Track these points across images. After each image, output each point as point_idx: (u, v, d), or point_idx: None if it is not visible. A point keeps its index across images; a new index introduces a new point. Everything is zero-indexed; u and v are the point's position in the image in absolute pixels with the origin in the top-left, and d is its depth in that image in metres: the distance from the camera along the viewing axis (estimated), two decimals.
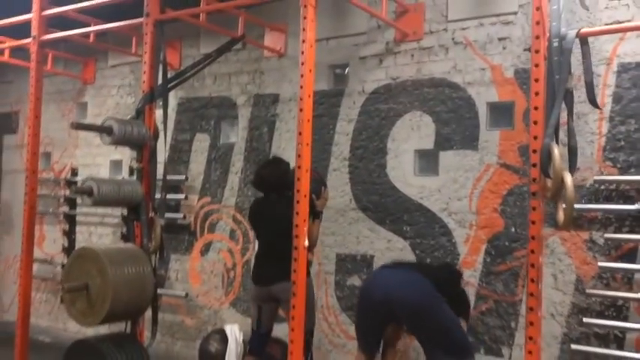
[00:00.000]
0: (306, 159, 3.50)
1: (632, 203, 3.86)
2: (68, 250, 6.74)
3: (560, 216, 2.87)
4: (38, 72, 4.95)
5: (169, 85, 4.45)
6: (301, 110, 3.52)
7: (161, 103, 4.52)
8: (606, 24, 4.02)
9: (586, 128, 4.05)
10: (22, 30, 5.25)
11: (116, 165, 6.55)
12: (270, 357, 4.71)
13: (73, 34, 5.07)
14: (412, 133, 4.76)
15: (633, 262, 3.89)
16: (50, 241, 7.08)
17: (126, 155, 6.40)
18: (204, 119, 5.91)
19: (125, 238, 6.22)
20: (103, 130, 3.98)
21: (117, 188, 3.99)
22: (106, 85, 6.71)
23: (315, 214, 4.07)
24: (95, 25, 5.23)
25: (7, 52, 6.07)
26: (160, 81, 4.44)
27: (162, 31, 4.31)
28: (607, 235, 3.95)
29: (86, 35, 5.36)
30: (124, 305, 3.84)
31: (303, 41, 3.55)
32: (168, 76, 4.47)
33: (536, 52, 2.87)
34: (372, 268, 4.83)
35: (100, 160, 6.67)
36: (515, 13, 4.38)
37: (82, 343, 4.05)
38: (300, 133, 3.51)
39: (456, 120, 4.58)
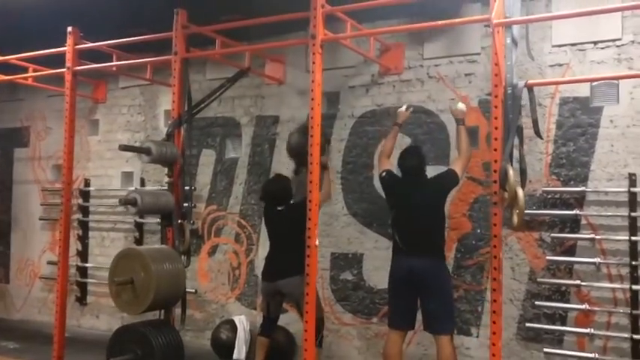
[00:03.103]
0: (316, 174, 4.40)
1: (572, 209, 4.86)
2: (82, 253, 7.44)
3: (515, 219, 3.82)
4: (72, 97, 5.73)
5: (193, 112, 5.26)
6: (312, 136, 4.41)
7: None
8: (550, 65, 5.03)
9: (536, 149, 5.03)
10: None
11: (127, 176, 7.30)
12: (277, 340, 5.58)
13: (105, 66, 5.85)
14: (394, 151, 5.66)
15: (573, 255, 4.88)
16: None
17: (137, 167, 7.22)
18: (210, 137, 6.73)
19: (138, 242, 7.02)
20: (143, 151, 4.76)
21: (155, 199, 4.81)
22: (117, 105, 7.46)
23: (322, 166, 4.89)
24: (119, 58, 6.01)
25: (30, 79, 6.79)
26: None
27: (187, 67, 5.14)
28: (553, 235, 4.93)
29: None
30: (163, 296, 4.65)
31: (312, 81, 4.44)
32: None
33: (496, 96, 3.82)
34: (362, 265, 5.74)
35: (111, 172, 7.41)
36: (478, 54, 5.35)
37: (127, 328, 4.83)
38: (311, 154, 4.39)
39: (430, 140, 5.52)
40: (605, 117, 4.84)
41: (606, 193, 4.78)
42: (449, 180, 4.55)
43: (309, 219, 4.39)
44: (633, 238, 4.61)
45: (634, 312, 4.59)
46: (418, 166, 4.63)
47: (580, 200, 4.87)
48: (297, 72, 6.24)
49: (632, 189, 4.65)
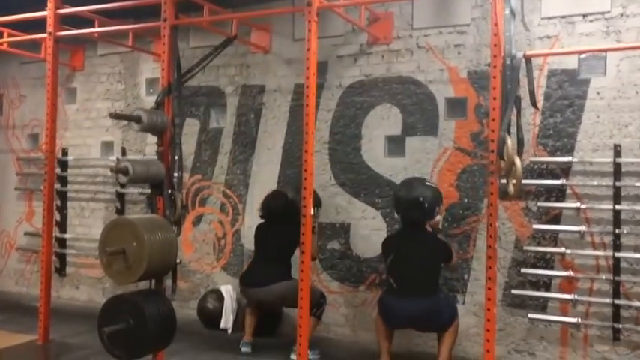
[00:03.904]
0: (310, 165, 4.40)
1: (558, 179, 4.98)
2: (60, 224, 7.31)
3: (511, 189, 3.90)
4: (54, 65, 5.55)
5: (182, 80, 5.17)
6: (307, 105, 4.39)
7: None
8: (539, 37, 5.09)
9: (524, 120, 5.03)
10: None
11: (107, 146, 7.17)
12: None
13: (88, 32, 5.69)
14: (383, 121, 5.71)
15: (558, 224, 5.01)
16: (40, 216, 7.57)
17: (117, 137, 7.10)
18: (194, 106, 6.63)
19: (120, 212, 6.93)
20: (134, 119, 4.66)
21: (146, 168, 4.72)
22: (96, 72, 7.28)
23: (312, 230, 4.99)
24: (101, 24, 5.85)
25: (5, 44, 6.55)
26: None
27: (177, 33, 5.04)
28: (539, 204, 5.05)
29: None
30: (156, 265, 4.60)
31: (308, 49, 4.41)
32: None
33: (494, 67, 3.86)
34: (349, 234, 5.80)
35: (90, 142, 7.26)
36: (468, 25, 5.38)
37: (118, 297, 4.77)
38: (306, 133, 4.39)
39: (419, 111, 5.56)
40: (592, 89, 4.94)
41: (591, 163, 4.90)
42: (446, 252, 4.87)
43: (305, 188, 4.39)
44: (617, 207, 4.75)
45: (616, 278, 4.76)
46: (419, 220, 4.76)
47: (566, 170, 4.99)
48: (284, 41, 6.18)
49: (617, 159, 4.77)
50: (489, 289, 3.87)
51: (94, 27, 5.96)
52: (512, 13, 3.95)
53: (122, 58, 7.07)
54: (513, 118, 3.93)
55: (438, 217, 4.88)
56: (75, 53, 7.34)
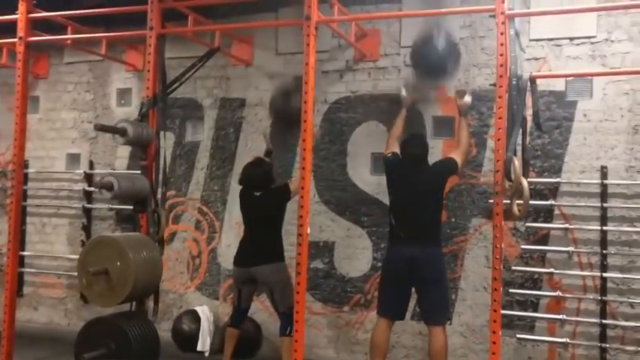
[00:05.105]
0: (308, 161, 4.27)
1: (547, 200, 5.02)
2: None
3: (515, 210, 3.88)
4: (25, 71, 5.20)
5: (167, 91, 4.95)
6: (305, 121, 4.26)
7: None
8: (527, 59, 5.12)
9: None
10: None
11: (73, 158, 6.80)
12: (246, 330, 5.40)
13: (62, 38, 5.39)
14: (369, 139, 5.63)
15: (546, 244, 5.05)
16: None
17: (84, 149, 6.76)
18: (169, 118, 6.35)
19: (86, 228, 6.59)
20: (119, 131, 4.41)
21: (132, 184, 4.48)
22: (61, 81, 6.92)
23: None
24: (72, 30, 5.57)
25: None
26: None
27: (163, 43, 4.83)
28: (527, 224, 5.07)
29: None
30: (141, 286, 4.35)
31: (306, 64, 4.29)
32: None
33: (500, 87, 3.85)
34: (333, 253, 5.67)
35: (54, 154, 6.88)
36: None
37: (98, 320, 4.47)
38: (304, 140, 4.26)
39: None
40: (579, 111, 5.02)
41: (579, 184, 4.97)
42: (448, 167, 4.56)
43: (301, 206, 4.25)
44: (604, 227, 4.82)
45: (603, 298, 4.82)
46: (421, 155, 4.60)
47: (554, 191, 5.03)
48: (266, 54, 6.05)
49: (604, 181, 4.86)
50: (495, 310, 3.82)
51: (65, 33, 5.68)
52: (517, 33, 3.95)
53: (91, 66, 6.75)
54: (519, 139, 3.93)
55: (467, 98, 4.61)
56: (38, 60, 6.95)
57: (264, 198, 5.03)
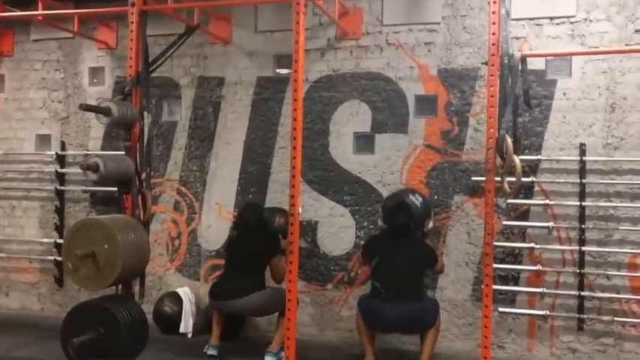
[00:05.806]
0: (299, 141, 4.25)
1: (527, 176, 5.13)
2: None
3: (506, 187, 3.97)
4: None
5: (150, 69, 4.83)
6: (295, 100, 4.24)
7: None
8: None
9: None
10: None
11: (43, 139, 6.57)
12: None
13: (34, 14, 5.18)
14: (351, 117, 5.63)
15: (526, 220, 5.18)
16: None
17: (55, 130, 6.55)
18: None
19: (59, 211, 6.41)
20: (103, 111, 4.28)
21: (117, 165, 4.37)
22: (28, 59, 6.65)
23: (281, 251, 5.00)
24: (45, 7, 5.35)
25: None
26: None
27: (146, 20, 4.69)
28: (508, 201, 5.19)
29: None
30: (129, 269, 4.28)
31: (296, 42, 4.24)
32: None
33: (492, 65, 3.90)
34: (316, 232, 5.68)
35: (23, 134, 6.64)
36: (438, 23, 5.42)
37: (86, 305, 4.38)
38: (294, 119, 4.23)
39: (389, 108, 5.54)
40: (559, 89, 5.13)
41: (558, 161, 5.10)
42: (431, 257, 4.89)
43: (292, 186, 4.25)
44: (582, 203, 4.97)
45: (581, 271, 4.98)
46: (407, 223, 4.76)
47: (534, 168, 5.15)
48: (245, 32, 5.95)
49: (582, 158, 5.00)
50: (487, 285, 3.91)
51: (35, 9, 5.46)
52: (507, 13, 4.00)
53: (60, 44, 6.51)
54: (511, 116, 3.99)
55: (431, 224, 5.05)
56: (2, 37, 6.65)
57: (252, 239, 5.13)
